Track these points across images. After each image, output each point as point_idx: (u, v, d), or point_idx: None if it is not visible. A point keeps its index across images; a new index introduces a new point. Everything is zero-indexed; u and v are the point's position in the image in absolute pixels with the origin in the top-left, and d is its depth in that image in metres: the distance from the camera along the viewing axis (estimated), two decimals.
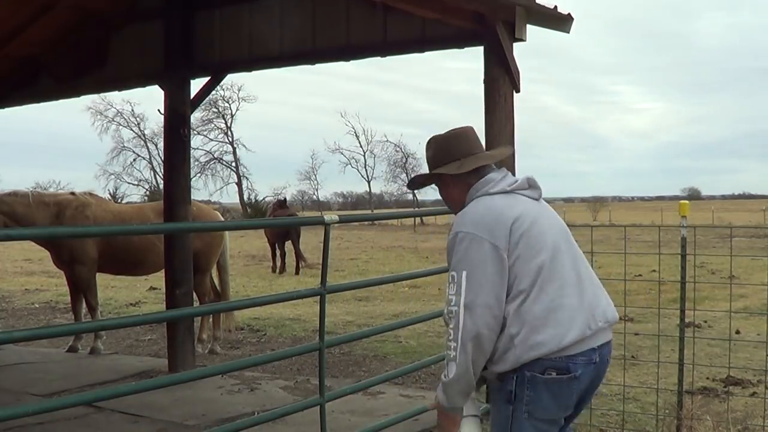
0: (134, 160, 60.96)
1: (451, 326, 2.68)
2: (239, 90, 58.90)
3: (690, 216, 5.24)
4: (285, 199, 25.34)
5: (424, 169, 3.14)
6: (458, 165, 2.94)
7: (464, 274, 2.69)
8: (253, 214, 44.85)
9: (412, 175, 3.08)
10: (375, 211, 51.11)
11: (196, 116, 43.76)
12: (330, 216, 4.59)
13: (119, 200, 48.72)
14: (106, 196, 41.90)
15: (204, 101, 8.56)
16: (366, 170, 64.55)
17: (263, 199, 53.46)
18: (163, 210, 7.87)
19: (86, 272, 8.14)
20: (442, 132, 3.07)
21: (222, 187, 60.97)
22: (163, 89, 7.51)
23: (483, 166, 2.97)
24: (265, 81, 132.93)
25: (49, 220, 7.91)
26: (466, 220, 2.81)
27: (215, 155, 60.87)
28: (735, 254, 5.76)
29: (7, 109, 9.52)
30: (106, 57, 7.81)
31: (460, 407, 2.82)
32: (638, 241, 22.72)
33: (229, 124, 60.25)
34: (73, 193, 8.50)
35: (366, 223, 38.86)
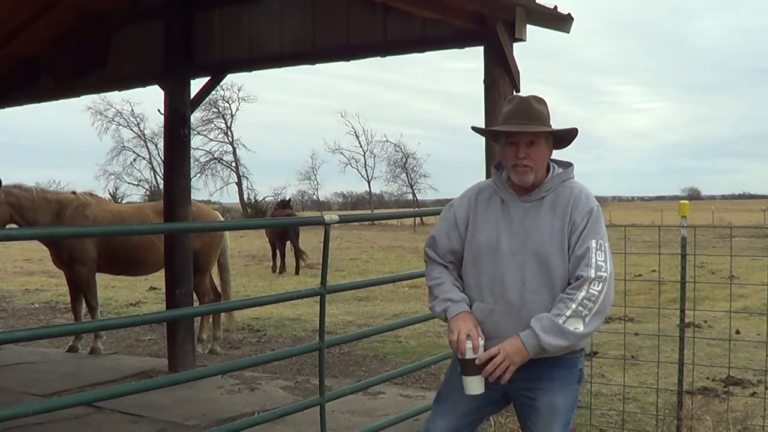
0: (134, 160, 61.03)
1: (596, 288, 2.76)
2: (239, 90, 58.98)
3: (690, 216, 5.24)
4: (289, 199, 25.33)
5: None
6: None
7: (608, 246, 2.87)
8: (253, 214, 44.86)
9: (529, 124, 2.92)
10: (375, 211, 51.09)
11: (196, 116, 43.82)
12: (330, 216, 4.59)
13: (119, 200, 48.69)
14: (106, 196, 41.95)
15: (204, 101, 8.56)
16: (366, 170, 64.58)
17: (263, 199, 53.54)
18: (162, 210, 7.87)
19: (86, 272, 8.14)
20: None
21: (222, 187, 61.01)
22: (163, 89, 7.51)
23: None
24: (265, 81, 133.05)
25: (50, 218, 7.92)
26: (592, 196, 2.95)
27: (215, 155, 60.90)
28: (735, 254, 5.76)
29: (7, 109, 9.53)
30: (106, 57, 7.81)
31: (541, 352, 2.79)
32: (638, 241, 22.73)
33: (229, 124, 60.30)
34: (74, 193, 8.51)
35: (366, 223, 38.86)
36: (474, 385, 2.82)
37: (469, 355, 2.82)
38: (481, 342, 2.84)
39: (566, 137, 2.99)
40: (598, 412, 5.53)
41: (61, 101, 9.24)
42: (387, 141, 62.90)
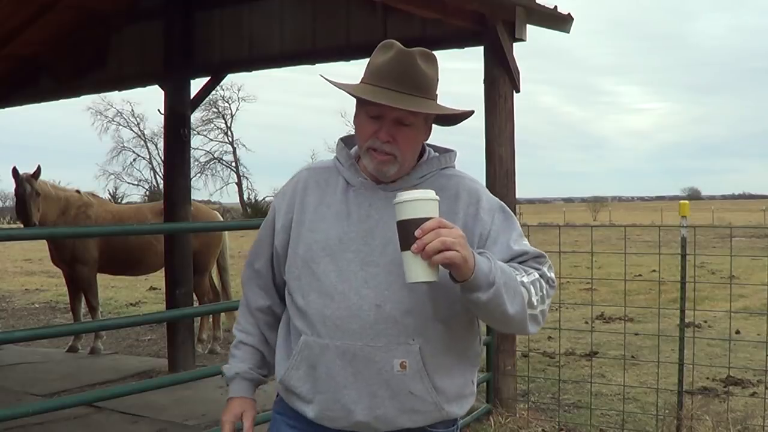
0: (134, 160, 60.91)
1: (552, 276, 1.93)
2: (239, 90, 58.85)
3: (690, 216, 5.24)
4: None
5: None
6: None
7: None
8: (253, 214, 44.85)
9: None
10: None
11: (196, 116, 43.80)
12: None
13: (119, 200, 48.72)
14: (106, 196, 41.98)
15: (204, 101, 8.57)
16: None
17: (263, 199, 53.51)
18: (161, 210, 7.87)
19: (87, 272, 8.15)
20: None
21: (222, 187, 60.91)
22: (163, 89, 7.51)
23: None
24: (265, 81, 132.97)
25: (56, 214, 7.94)
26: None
27: (215, 155, 60.82)
28: (735, 254, 5.76)
29: (7, 109, 9.53)
30: (106, 57, 7.81)
31: (481, 287, 1.75)
32: (638, 241, 22.72)
33: (229, 124, 60.20)
34: (78, 191, 8.54)
35: None
36: (412, 266, 1.71)
37: None
38: None
39: (454, 118, 2.03)
40: (598, 412, 5.53)
41: (61, 101, 9.26)
42: None
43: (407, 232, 1.71)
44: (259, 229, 2.13)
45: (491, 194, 2.04)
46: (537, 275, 1.90)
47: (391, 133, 1.89)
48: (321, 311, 1.91)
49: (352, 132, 2.04)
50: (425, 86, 1.92)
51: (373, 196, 1.95)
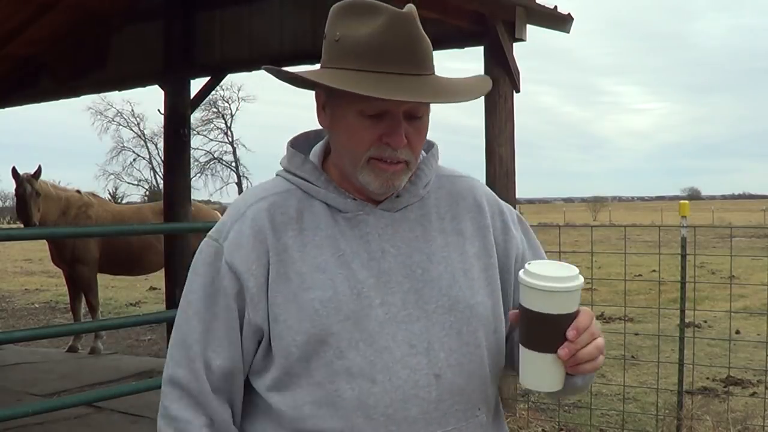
0: (134, 160, 60.92)
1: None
2: (239, 90, 58.96)
3: (690, 216, 5.24)
4: None
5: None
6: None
7: None
8: None
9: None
10: None
11: (196, 116, 43.77)
12: None
13: (119, 200, 48.74)
14: (106, 196, 41.98)
15: (204, 101, 8.58)
16: None
17: None
18: (161, 210, 7.88)
19: (87, 272, 8.16)
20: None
21: (222, 187, 60.95)
22: (163, 89, 7.52)
23: None
24: (265, 81, 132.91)
25: (57, 214, 7.95)
26: None
27: (215, 155, 60.88)
28: (735, 254, 5.76)
29: (7, 109, 9.53)
30: (106, 57, 7.81)
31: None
32: (638, 241, 22.72)
33: (229, 124, 60.23)
34: (78, 191, 8.54)
35: None
36: (545, 372, 1.30)
37: None
38: None
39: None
40: (598, 412, 5.53)
41: (61, 101, 9.26)
42: None
43: (553, 329, 1.27)
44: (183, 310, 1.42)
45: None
46: None
47: (405, 131, 1.37)
48: (361, 401, 1.32)
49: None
50: (430, 58, 1.39)
51: (377, 224, 1.41)
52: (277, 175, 1.51)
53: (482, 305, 1.43)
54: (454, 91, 1.39)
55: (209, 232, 1.47)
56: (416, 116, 1.38)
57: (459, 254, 1.45)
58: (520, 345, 1.30)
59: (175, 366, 1.40)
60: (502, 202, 1.58)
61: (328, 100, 1.41)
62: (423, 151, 1.48)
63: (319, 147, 1.51)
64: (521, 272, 1.29)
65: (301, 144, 1.53)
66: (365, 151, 1.36)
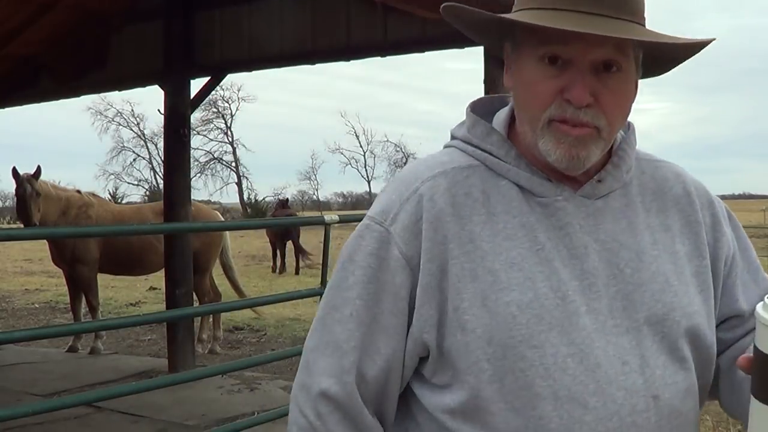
0: (134, 160, 61.00)
1: None
2: (239, 90, 58.95)
3: None
4: (287, 199, 25.39)
5: None
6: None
7: None
8: (253, 214, 44.86)
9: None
10: None
11: (196, 116, 43.75)
12: (330, 216, 4.60)
13: (119, 200, 48.75)
14: (106, 196, 41.98)
15: (204, 101, 8.57)
16: (366, 170, 64.77)
17: (263, 199, 53.55)
18: (161, 210, 7.88)
19: (88, 272, 8.16)
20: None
21: (222, 187, 61.06)
22: (163, 89, 7.51)
23: None
24: (265, 81, 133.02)
25: (57, 214, 7.95)
26: None
27: (215, 155, 60.92)
28: None
29: (7, 109, 9.53)
30: (106, 57, 7.81)
31: None
32: None
33: (229, 124, 60.28)
34: (78, 191, 8.55)
35: None
36: None
37: None
38: None
39: (671, 57, 1.23)
40: None
41: (61, 101, 9.26)
42: (387, 141, 63.43)
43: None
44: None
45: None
46: None
47: (592, 86, 1.11)
48: (570, 430, 1.09)
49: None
50: (638, 5, 1.14)
51: (577, 212, 1.17)
52: (447, 146, 1.25)
53: (698, 315, 1.20)
54: (662, 38, 1.13)
55: (369, 213, 1.20)
56: (610, 68, 1.12)
57: (669, 254, 1.21)
58: (753, 398, 1.04)
59: (325, 376, 1.18)
60: (712, 193, 1.33)
61: (512, 53, 1.19)
62: (622, 132, 1.25)
63: (504, 113, 1.25)
64: (759, 307, 1.01)
65: (481, 110, 1.26)
66: (544, 110, 1.13)
